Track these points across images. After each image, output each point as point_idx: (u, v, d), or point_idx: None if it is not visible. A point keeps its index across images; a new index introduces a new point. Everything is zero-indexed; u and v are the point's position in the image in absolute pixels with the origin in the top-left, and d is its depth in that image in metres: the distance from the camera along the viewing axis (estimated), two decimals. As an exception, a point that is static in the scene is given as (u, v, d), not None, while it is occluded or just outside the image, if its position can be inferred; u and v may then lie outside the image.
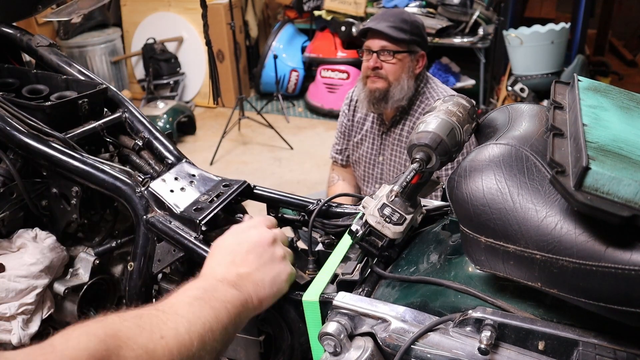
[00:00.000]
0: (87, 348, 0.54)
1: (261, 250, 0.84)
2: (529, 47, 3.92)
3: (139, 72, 5.43)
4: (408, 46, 2.00)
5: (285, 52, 5.25)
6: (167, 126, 4.44)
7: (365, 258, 0.90)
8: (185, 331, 0.64)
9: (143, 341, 0.60)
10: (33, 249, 1.07)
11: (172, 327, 0.64)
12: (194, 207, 1.00)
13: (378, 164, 2.25)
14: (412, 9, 4.35)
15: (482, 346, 0.65)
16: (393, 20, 1.98)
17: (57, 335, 0.55)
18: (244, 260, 0.82)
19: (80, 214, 1.11)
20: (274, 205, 1.12)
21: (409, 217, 0.84)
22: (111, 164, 1.08)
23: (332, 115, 5.00)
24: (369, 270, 0.90)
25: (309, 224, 1.02)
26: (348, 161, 2.41)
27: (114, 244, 1.15)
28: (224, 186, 1.07)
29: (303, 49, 5.35)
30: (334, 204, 1.07)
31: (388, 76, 2.01)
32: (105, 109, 1.23)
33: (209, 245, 0.92)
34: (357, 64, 4.95)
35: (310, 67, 5.39)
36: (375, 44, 2.01)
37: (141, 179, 1.03)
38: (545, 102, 2.98)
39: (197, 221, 0.96)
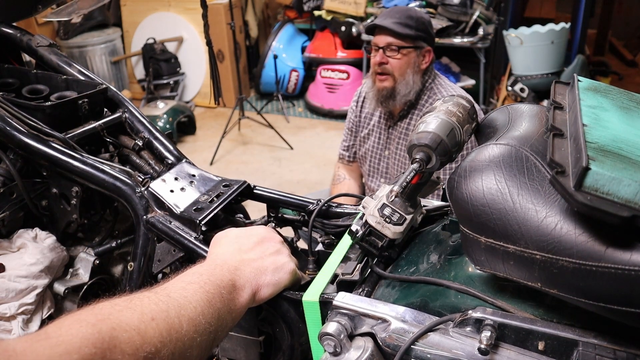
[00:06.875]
0: (79, 333, 0.54)
1: (269, 245, 0.87)
2: (529, 47, 3.91)
3: (139, 72, 5.43)
4: (414, 42, 2.03)
5: (285, 52, 5.25)
6: (167, 126, 4.44)
7: (365, 258, 0.90)
8: (175, 314, 0.65)
9: (135, 323, 0.60)
10: (33, 249, 1.07)
11: (164, 309, 0.64)
12: (194, 207, 1.00)
13: (384, 158, 2.26)
14: (413, 9, 4.35)
15: (482, 346, 0.65)
16: (399, 17, 2.02)
17: (50, 325, 0.56)
18: (251, 249, 0.85)
19: (80, 214, 1.11)
20: (274, 205, 1.12)
21: (409, 217, 0.84)
22: (111, 164, 1.08)
23: (332, 115, 5.01)
24: (369, 270, 0.89)
25: (309, 224, 1.02)
26: (355, 158, 2.42)
27: (114, 244, 1.15)
28: (224, 186, 1.07)
29: (303, 49, 5.35)
30: (333, 204, 1.07)
31: (394, 71, 2.05)
32: (105, 109, 1.23)
33: (209, 245, 0.92)
34: (357, 64, 4.96)
35: (310, 67, 5.39)
36: (381, 40, 2.05)
37: (141, 179, 1.03)
38: (545, 102, 2.98)
39: (197, 221, 0.96)
